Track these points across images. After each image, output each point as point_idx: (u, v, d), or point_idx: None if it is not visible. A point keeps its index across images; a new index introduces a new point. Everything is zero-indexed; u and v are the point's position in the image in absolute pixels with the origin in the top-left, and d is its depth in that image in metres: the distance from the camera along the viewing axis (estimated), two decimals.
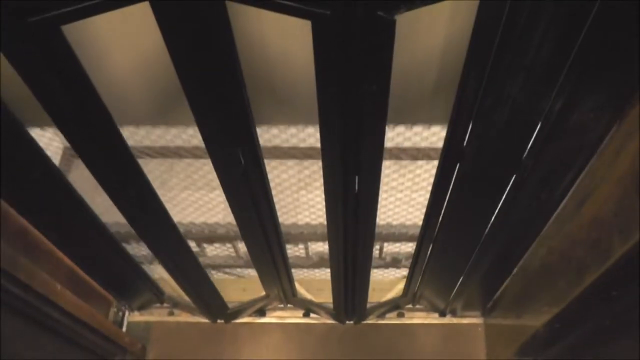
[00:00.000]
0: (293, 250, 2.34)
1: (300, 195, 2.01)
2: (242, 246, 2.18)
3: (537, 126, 1.26)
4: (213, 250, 2.36)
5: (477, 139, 1.31)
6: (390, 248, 2.35)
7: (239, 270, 2.59)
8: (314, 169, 1.88)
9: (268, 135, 1.67)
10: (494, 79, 1.13)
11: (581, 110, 1.19)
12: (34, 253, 1.79)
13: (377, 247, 2.29)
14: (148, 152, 1.78)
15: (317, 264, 2.44)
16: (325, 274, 2.50)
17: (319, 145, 1.30)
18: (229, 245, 2.29)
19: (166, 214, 1.70)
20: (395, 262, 2.44)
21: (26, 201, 1.62)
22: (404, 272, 2.48)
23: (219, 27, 1.01)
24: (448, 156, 1.41)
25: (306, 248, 2.33)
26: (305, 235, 2.22)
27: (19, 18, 0.94)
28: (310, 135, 1.67)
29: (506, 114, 1.22)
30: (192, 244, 2.17)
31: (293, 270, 2.26)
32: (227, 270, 2.59)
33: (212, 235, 2.20)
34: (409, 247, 2.32)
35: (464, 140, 1.34)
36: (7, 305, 1.56)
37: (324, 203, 1.55)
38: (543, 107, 1.20)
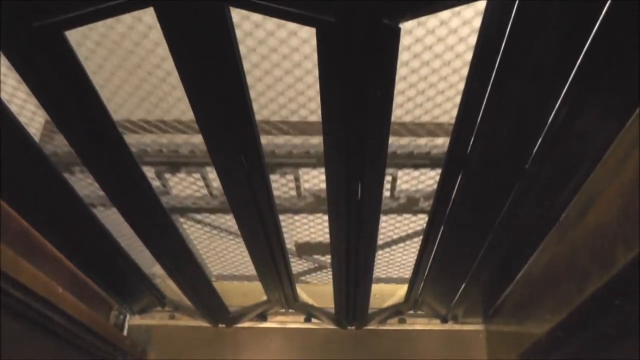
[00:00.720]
0: (279, 184, 1.83)
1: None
2: (213, 176, 1.73)
3: (541, 133, 1.25)
4: (178, 184, 1.91)
5: (481, 146, 1.31)
6: (406, 180, 1.83)
7: (213, 217, 2.14)
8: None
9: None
10: (498, 86, 1.12)
11: (586, 118, 1.18)
12: (36, 255, 1.78)
13: (388, 179, 1.73)
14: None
15: (312, 206, 1.92)
16: (322, 222, 2.07)
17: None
18: (196, 175, 1.83)
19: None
20: (411, 205, 1.90)
21: (27, 203, 1.62)
22: (422, 221, 2.04)
23: (222, 32, 1.01)
24: (451, 163, 1.41)
25: (296, 180, 1.82)
26: (295, 156, 1.69)
27: (23, 22, 0.94)
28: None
29: (510, 120, 1.21)
30: (150, 174, 1.75)
31: (281, 217, 1.77)
32: (199, 217, 2.13)
33: (173, 159, 1.72)
34: (431, 179, 1.82)
35: (468, 147, 1.33)
36: (7, 308, 1.56)
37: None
38: (548, 114, 1.20)
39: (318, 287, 2.57)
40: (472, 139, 1.30)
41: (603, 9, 0.95)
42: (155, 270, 2.36)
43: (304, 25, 1.01)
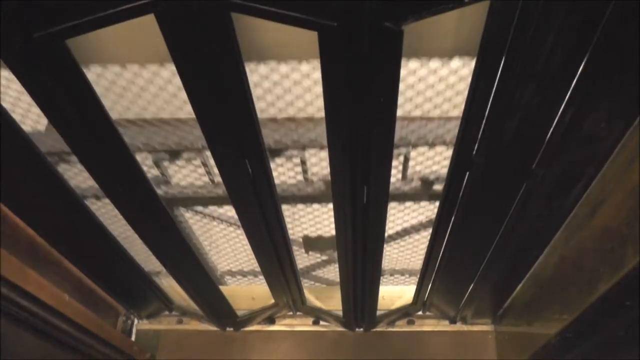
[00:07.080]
0: (285, 170, 1.66)
1: None
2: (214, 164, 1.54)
3: (547, 135, 1.24)
4: (177, 172, 1.76)
5: (487, 148, 1.30)
6: (420, 161, 1.65)
7: (217, 210, 1.99)
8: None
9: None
10: (503, 87, 1.11)
11: (593, 119, 1.17)
12: (42, 263, 1.78)
13: (398, 160, 1.61)
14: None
15: (321, 195, 1.75)
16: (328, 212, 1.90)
17: None
18: (197, 162, 1.69)
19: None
20: (426, 188, 1.72)
21: (34, 212, 1.62)
22: (434, 208, 1.88)
23: (224, 38, 1.00)
24: (457, 165, 1.40)
25: (303, 163, 1.65)
26: (300, 135, 1.51)
27: (23, 33, 0.93)
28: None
29: (516, 122, 1.20)
30: (149, 161, 1.66)
31: (284, 207, 1.64)
32: (200, 209, 1.99)
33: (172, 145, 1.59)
34: (446, 160, 1.61)
35: (473, 149, 1.32)
36: (14, 317, 1.56)
37: None
38: (554, 115, 1.18)
39: (326, 290, 2.56)
40: (478, 140, 1.29)
41: (607, 11, 0.93)
42: (161, 274, 2.36)
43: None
